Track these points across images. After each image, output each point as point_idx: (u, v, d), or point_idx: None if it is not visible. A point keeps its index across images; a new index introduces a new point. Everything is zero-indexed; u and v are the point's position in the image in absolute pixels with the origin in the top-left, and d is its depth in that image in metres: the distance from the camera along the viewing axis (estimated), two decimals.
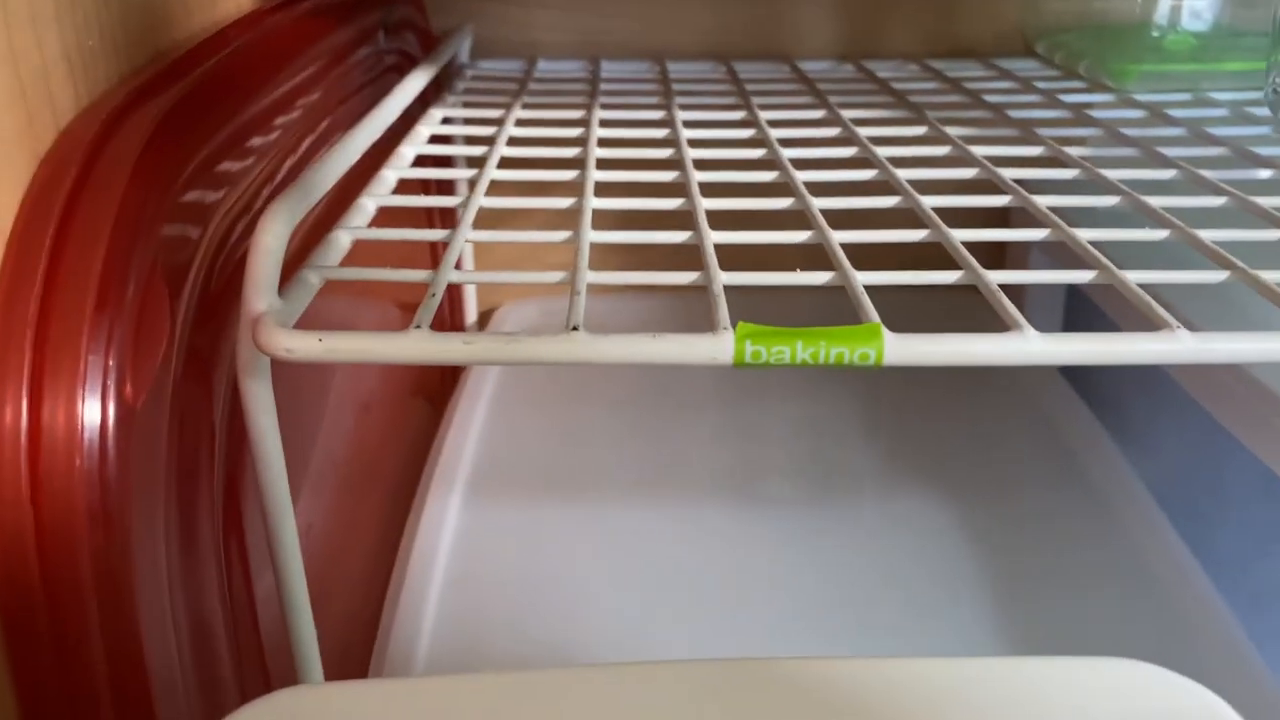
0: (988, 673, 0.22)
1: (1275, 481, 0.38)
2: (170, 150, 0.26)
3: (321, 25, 0.41)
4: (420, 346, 0.25)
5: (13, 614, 0.22)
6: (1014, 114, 0.49)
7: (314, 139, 0.38)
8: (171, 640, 0.25)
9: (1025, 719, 0.21)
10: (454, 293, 0.66)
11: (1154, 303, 0.27)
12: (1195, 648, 0.39)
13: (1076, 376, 0.59)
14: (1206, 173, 0.39)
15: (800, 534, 0.46)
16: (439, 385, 0.60)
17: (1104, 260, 0.30)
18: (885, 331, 0.25)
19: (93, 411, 0.22)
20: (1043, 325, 0.25)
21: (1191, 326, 0.25)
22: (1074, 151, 0.42)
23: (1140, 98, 0.51)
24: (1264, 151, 0.42)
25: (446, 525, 0.47)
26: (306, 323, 0.27)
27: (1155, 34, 0.56)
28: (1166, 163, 0.41)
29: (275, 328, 0.25)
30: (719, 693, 0.23)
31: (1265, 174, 0.40)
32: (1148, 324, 0.26)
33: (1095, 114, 0.49)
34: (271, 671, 0.31)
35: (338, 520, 0.42)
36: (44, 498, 0.21)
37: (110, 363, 0.22)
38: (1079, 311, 0.63)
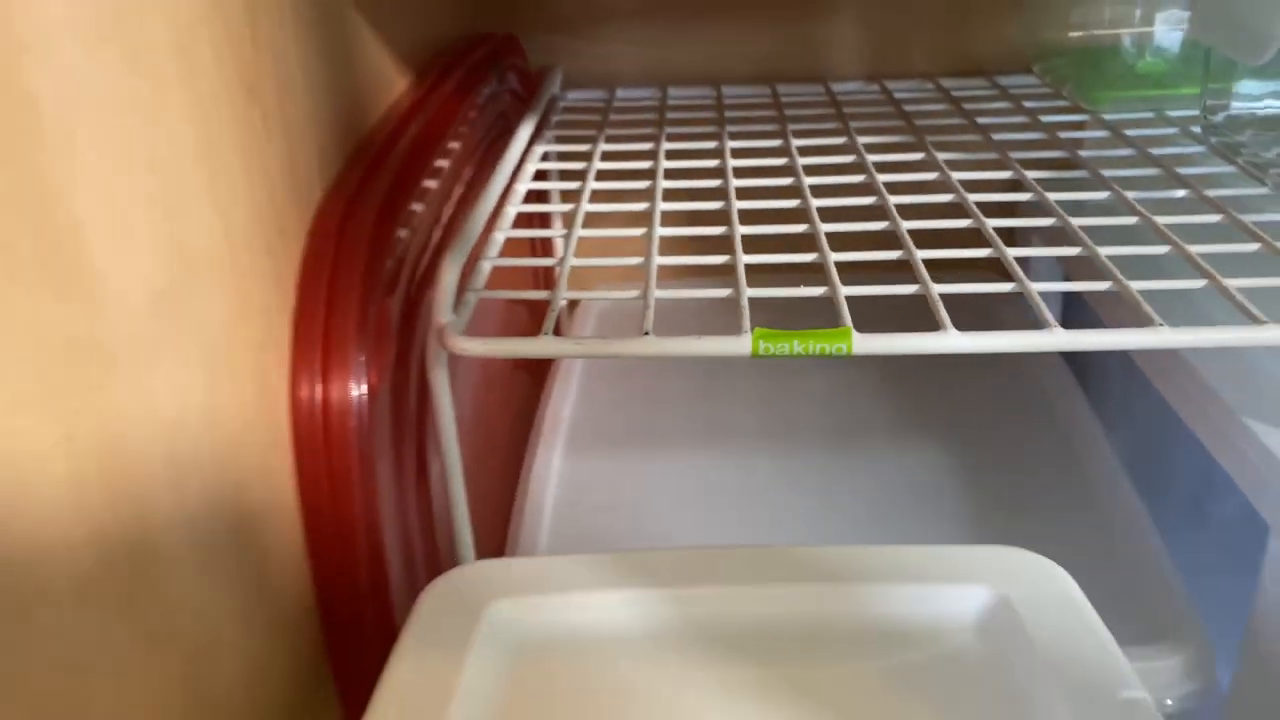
0: (887, 556, 0.35)
1: (1200, 446, 0.49)
2: (389, 216, 0.39)
3: (465, 91, 0.54)
4: (548, 346, 0.39)
5: (313, 521, 0.36)
6: (997, 136, 0.60)
7: (459, 184, 0.51)
8: (395, 535, 0.39)
9: (897, 588, 0.33)
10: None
11: (1043, 305, 0.39)
12: (1122, 562, 0.51)
13: (1072, 358, 0.69)
14: (1131, 194, 0.50)
15: (823, 474, 0.59)
16: (539, 362, 0.74)
17: (1020, 274, 0.42)
18: (853, 332, 0.38)
19: (356, 391, 0.36)
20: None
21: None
22: (1033, 175, 0.53)
23: (1108, 117, 0.62)
24: (1189, 171, 0.53)
25: (552, 473, 0.61)
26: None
27: (1128, 60, 0.66)
28: (1104, 184, 0.52)
29: (456, 335, 0.39)
30: (745, 566, 0.36)
31: (1180, 193, 0.51)
32: (1130, 317, 0.38)
33: (1063, 135, 0.60)
34: (443, 563, 0.46)
35: (471, 471, 0.56)
36: (331, 447, 0.35)
37: (363, 359, 0.36)
38: (1075, 306, 0.73)
